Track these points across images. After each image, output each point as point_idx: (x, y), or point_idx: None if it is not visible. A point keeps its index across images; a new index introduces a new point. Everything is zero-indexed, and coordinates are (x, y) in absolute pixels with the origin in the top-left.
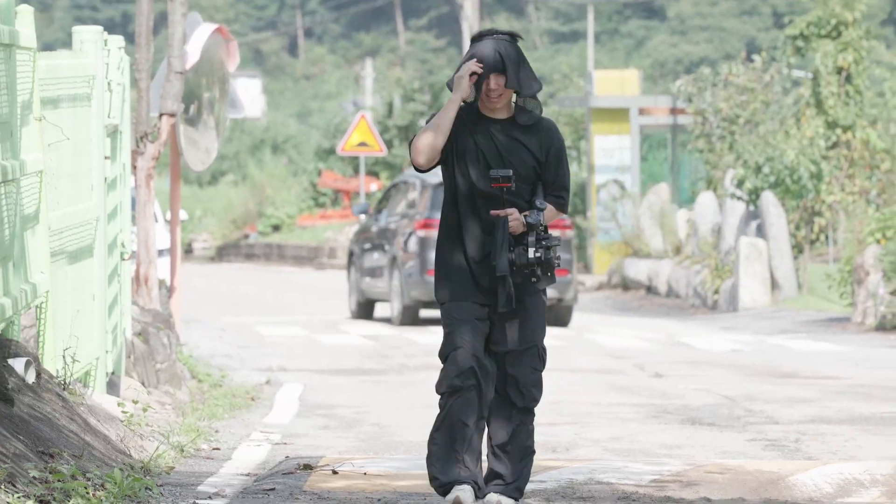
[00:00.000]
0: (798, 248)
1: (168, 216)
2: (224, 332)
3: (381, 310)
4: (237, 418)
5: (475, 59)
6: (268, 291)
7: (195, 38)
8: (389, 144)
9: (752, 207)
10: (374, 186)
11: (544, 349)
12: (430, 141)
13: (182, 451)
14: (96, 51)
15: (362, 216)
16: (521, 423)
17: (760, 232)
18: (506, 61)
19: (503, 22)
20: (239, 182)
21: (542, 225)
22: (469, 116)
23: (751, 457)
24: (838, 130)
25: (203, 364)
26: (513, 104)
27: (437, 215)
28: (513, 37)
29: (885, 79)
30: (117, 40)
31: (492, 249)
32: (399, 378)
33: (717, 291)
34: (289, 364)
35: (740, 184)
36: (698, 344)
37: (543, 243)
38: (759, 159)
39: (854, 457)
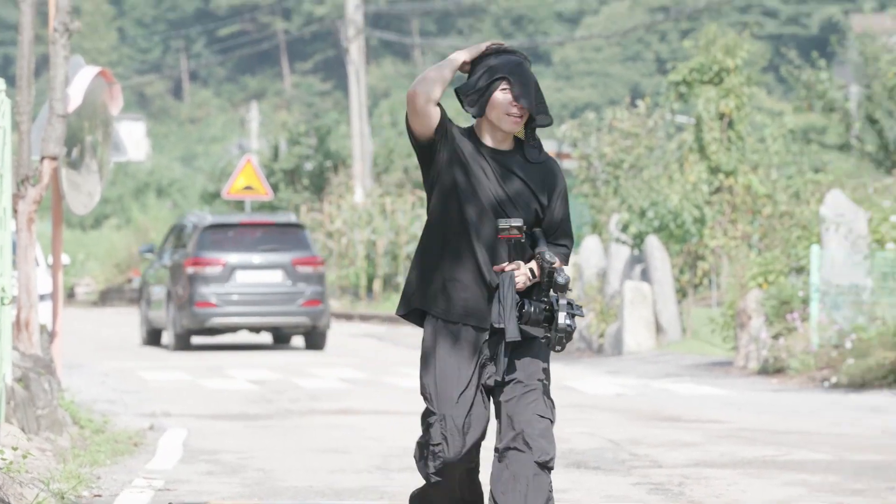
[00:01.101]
0: (682, 293)
1: (50, 260)
2: (107, 376)
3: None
4: (120, 464)
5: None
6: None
7: (78, 82)
8: (275, 188)
9: (636, 252)
10: None
11: (550, 392)
12: (434, 72)
13: (63, 498)
14: None
15: (148, 254)
16: (535, 487)
17: (645, 276)
18: (531, 79)
19: (389, 66)
20: (122, 226)
21: (567, 284)
22: (465, 143)
23: (636, 501)
24: (721, 176)
25: (85, 410)
26: (512, 138)
27: (205, 254)
28: (526, 57)
29: (765, 125)
30: None
31: (497, 311)
32: (284, 423)
33: (602, 335)
34: (172, 409)
35: (625, 228)
36: (584, 388)
37: (571, 311)
38: (644, 204)
39: (738, 500)
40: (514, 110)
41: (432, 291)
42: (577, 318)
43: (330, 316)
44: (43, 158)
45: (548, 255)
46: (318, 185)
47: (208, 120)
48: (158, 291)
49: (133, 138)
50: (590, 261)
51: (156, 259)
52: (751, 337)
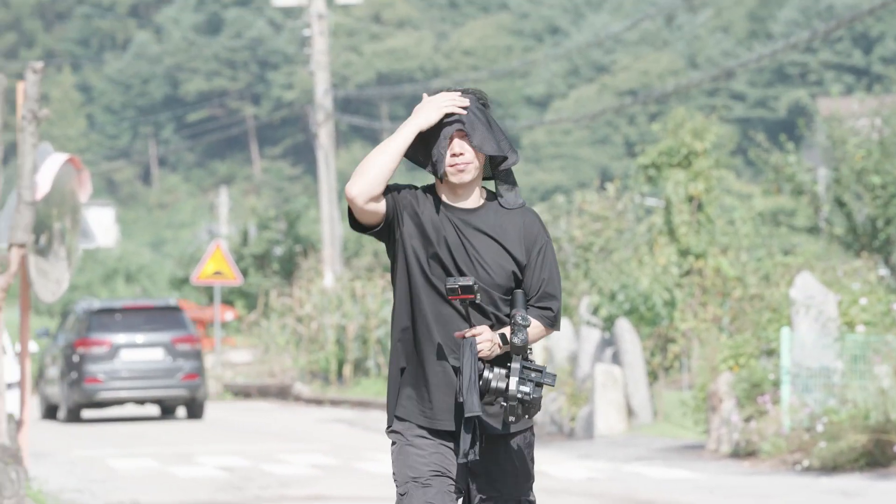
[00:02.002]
0: (653, 375)
1: (18, 348)
2: (74, 465)
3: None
4: None
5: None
6: (117, 422)
7: (46, 169)
8: (245, 273)
9: (607, 335)
10: (229, 315)
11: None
12: (376, 165)
13: None
14: None
15: (44, 337)
16: None
17: (616, 359)
18: (476, 118)
19: (358, 150)
20: None
21: (528, 347)
22: (426, 206)
23: None
24: (691, 258)
25: (53, 499)
26: (482, 191)
27: (93, 335)
28: (477, 96)
29: (735, 207)
30: None
31: (458, 383)
32: None
33: (573, 419)
34: (142, 498)
35: (595, 311)
36: (555, 472)
37: (533, 375)
38: (614, 286)
39: None
40: (457, 160)
41: (402, 396)
42: (544, 388)
43: (207, 389)
44: (11, 246)
45: (520, 317)
46: (288, 270)
47: (177, 205)
48: (53, 370)
49: (102, 224)
50: (560, 344)
51: (51, 341)
52: (722, 420)
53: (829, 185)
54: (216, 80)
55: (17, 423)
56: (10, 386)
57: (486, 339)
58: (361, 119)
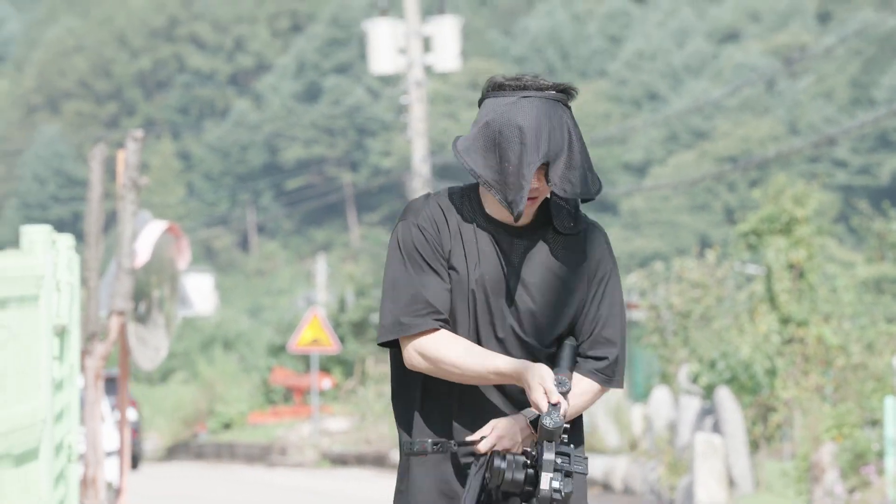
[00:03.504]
0: (754, 445)
1: (117, 415)
2: None
3: None
4: None
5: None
6: (219, 490)
7: (145, 236)
8: (342, 340)
9: (707, 403)
10: (326, 383)
11: None
12: (446, 373)
13: None
14: (45, 250)
15: None
16: None
17: (716, 428)
18: (562, 139)
19: None
20: (189, 380)
21: (564, 428)
22: (467, 216)
23: None
24: (792, 326)
25: None
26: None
27: None
28: (567, 93)
29: (837, 275)
30: (67, 239)
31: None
32: None
33: (673, 488)
34: None
35: (695, 379)
36: None
37: (565, 466)
38: (714, 354)
39: None
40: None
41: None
42: (576, 477)
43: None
44: (111, 313)
45: (557, 381)
46: None
47: (275, 272)
48: None
49: (201, 291)
50: (660, 412)
51: None
52: (825, 491)
53: None
54: (314, 148)
55: (116, 492)
56: (108, 454)
57: (504, 438)
58: (458, 184)
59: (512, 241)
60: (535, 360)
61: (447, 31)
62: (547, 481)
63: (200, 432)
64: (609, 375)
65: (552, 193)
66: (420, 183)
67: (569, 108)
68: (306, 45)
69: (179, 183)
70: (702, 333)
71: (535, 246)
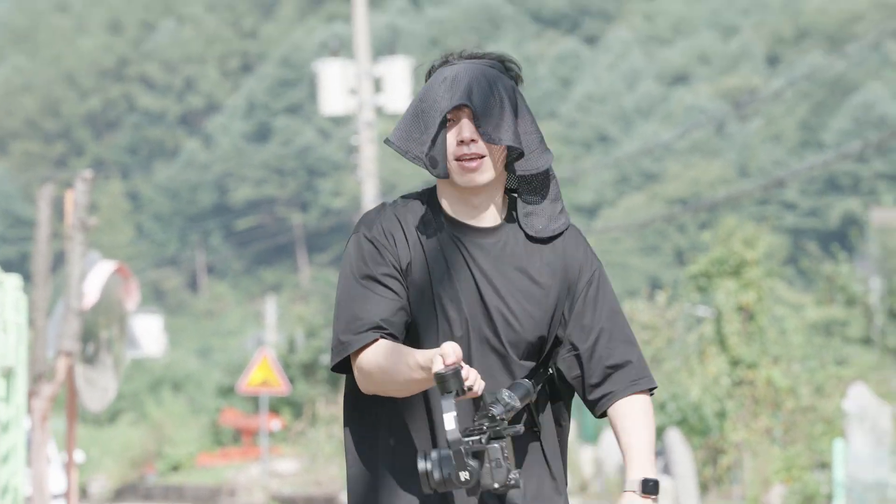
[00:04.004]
0: (704, 487)
1: (64, 457)
2: None
3: None
4: None
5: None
6: None
7: (94, 277)
8: (292, 381)
9: (657, 445)
10: (276, 424)
11: None
12: (387, 389)
13: None
14: None
15: None
16: None
17: (666, 469)
18: (491, 93)
19: None
20: (138, 421)
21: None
22: (428, 221)
23: None
24: (742, 368)
25: None
26: (505, 202)
27: None
28: (504, 65)
29: (786, 317)
30: (14, 280)
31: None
32: None
33: None
34: None
35: None
36: None
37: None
38: (664, 396)
39: None
40: (464, 148)
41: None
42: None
43: None
44: (58, 354)
45: (506, 395)
46: (336, 379)
47: (225, 313)
48: None
49: (150, 333)
50: (610, 454)
51: None
52: None
53: (882, 295)
54: (265, 188)
55: None
56: (55, 497)
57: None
58: None
59: (480, 243)
60: (512, 373)
61: (398, 72)
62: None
63: (149, 474)
64: (646, 375)
65: (519, 193)
66: None
67: (511, 78)
68: (256, 86)
69: (129, 223)
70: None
71: (505, 246)
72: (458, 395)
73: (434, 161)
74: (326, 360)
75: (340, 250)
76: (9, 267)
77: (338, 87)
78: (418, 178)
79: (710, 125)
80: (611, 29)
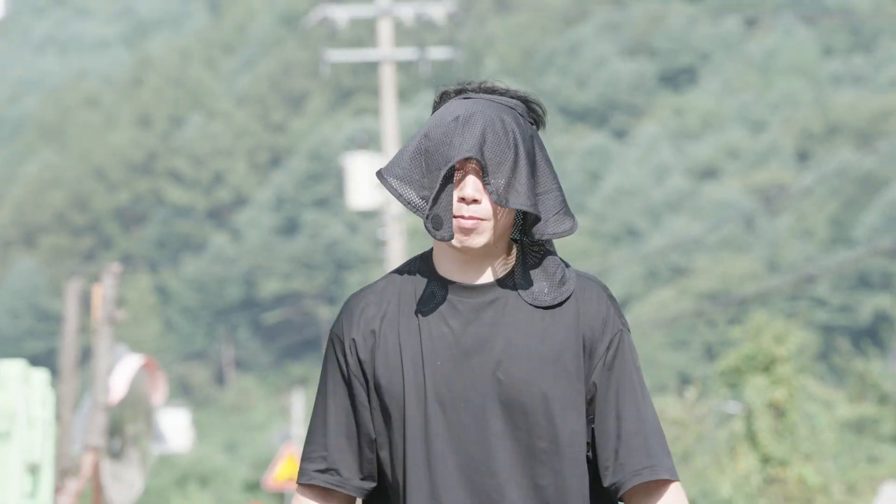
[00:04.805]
0: None
1: None
2: None
3: None
4: None
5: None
6: None
7: (121, 371)
8: None
9: None
10: None
11: None
12: None
13: None
14: (18, 386)
15: None
16: None
17: None
18: (505, 142)
19: None
20: None
21: None
22: (416, 290)
23: None
24: (773, 466)
25: None
26: (512, 249)
27: None
28: (528, 106)
29: (818, 414)
30: (41, 375)
31: None
32: None
33: None
34: None
35: None
36: None
37: None
38: (694, 493)
39: None
40: (463, 207)
41: None
42: None
43: None
44: (85, 449)
45: None
46: None
47: (252, 407)
48: None
49: (177, 427)
50: None
51: None
52: None
53: None
54: (292, 282)
55: None
56: None
57: None
58: None
59: (478, 308)
60: (533, 464)
61: None
62: None
63: None
64: (666, 465)
65: (524, 252)
66: None
67: (532, 123)
68: (285, 180)
69: (156, 317)
70: (682, 472)
71: (509, 310)
72: None
73: (438, 221)
74: None
75: None
76: (36, 361)
77: (365, 180)
78: None
79: (739, 220)
80: (640, 123)
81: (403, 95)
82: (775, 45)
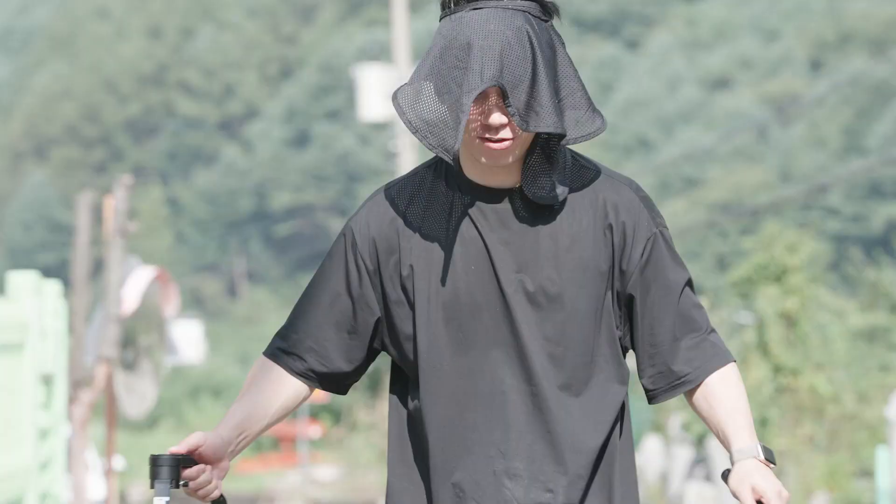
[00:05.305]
0: None
1: (104, 464)
2: None
3: None
4: None
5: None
6: None
7: (133, 283)
8: None
9: (699, 452)
10: (315, 431)
11: None
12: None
13: None
14: (31, 297)
15: None
16: None
17: (708, 477)
18: (511, 64)
19: None
20: (178, 427)
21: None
22: (442, 194)
23: None
24: (784, 375)
25: None
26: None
27: None
28: (544, 7)
29: (829, 324)
30: (54, 286)
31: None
32: None
33: None
34: None
35: (687, 428)
36: None
37: None
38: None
39: None
40: (491, 132)
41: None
42: None
43: None
44: (98, 361)
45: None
46: (375, 384)
47: (264, 320)
48: None
49: (190, 339)
50: (651, 461)
51: None
52: None
53: None
54: (304, 194)
55: None
56: (94, 503)
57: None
58: None
59: (502, 213)
60: (569, 377)
61: None
62: None
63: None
64: (721, 349)
65: (545, 150)
66: None
67: (544, 20)
68: (295, 92)
69: (168, 229)
70: None
71: (541, 214)
72: (177, 485)
73: (456, 156)
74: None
75: None
76: (48, 273)
77: (377, 92)
78: None
79: (751, 130)
80: (652, 34)
81: (415, 6)
82: None
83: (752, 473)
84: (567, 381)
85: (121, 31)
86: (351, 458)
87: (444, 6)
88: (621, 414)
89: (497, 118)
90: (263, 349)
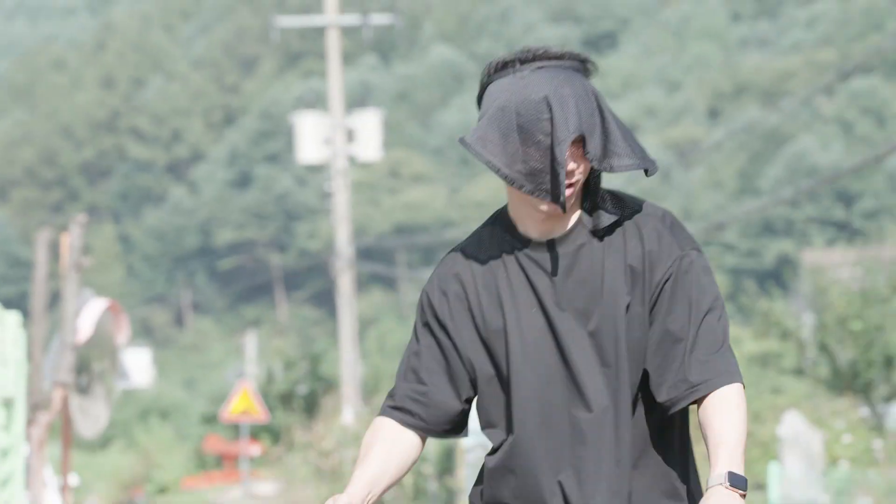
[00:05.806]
0: None
1: (60, 481)
2: None
3: None
4: None
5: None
6: None
7: (87, 314)
8: (271, 410)
9: None
10: (256, 450)
11: None
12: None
13: None
14: None
15: None
16: None
17: None
18: (586, 114)
19: (377, 296)
20: (128, 447)
21: None
22: (499, 248)
23: None
24: None
25: None
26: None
27: None
28: (584, 63)
29: None
30: (14, 317)
31: None
32: None
33: None
34: None
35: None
36: None
37: None
38: None
39: None
40: (541, 204)
41: None
42: None
43: None
44: (55, 385)
45: None
46: (311, 407)
47: (208, 347)
48: None
49: (139, 365)
50: None
51: None
52: None
53: (813, 329)
54: (245, 231)
55: None
56: None
57: None
58: (380, 266)
59: (557, 259)
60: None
61: (369, 124)
62: None
63: (138, 496)
64: (732, 371)
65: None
66: (343, 264)
67: (588, 79)
68: (238, 137)
69: (120, 264)
70: None
71: (580, 255)
72: None
73: (545, 190)
74: (303, 390)
75: (316, 288)
76: (8, 304)
77: (313, 137)
78: (388, 221)
79: (657, 173)
80: None
81: (348, 58)
82: (688, 11)
83: (708, 499)
84: (623, 404)
85: (76, 81)
86: (288, 474)
87: (499, 68)
88: (676, 423)
89: (574, 164)
90: (378, 412)
